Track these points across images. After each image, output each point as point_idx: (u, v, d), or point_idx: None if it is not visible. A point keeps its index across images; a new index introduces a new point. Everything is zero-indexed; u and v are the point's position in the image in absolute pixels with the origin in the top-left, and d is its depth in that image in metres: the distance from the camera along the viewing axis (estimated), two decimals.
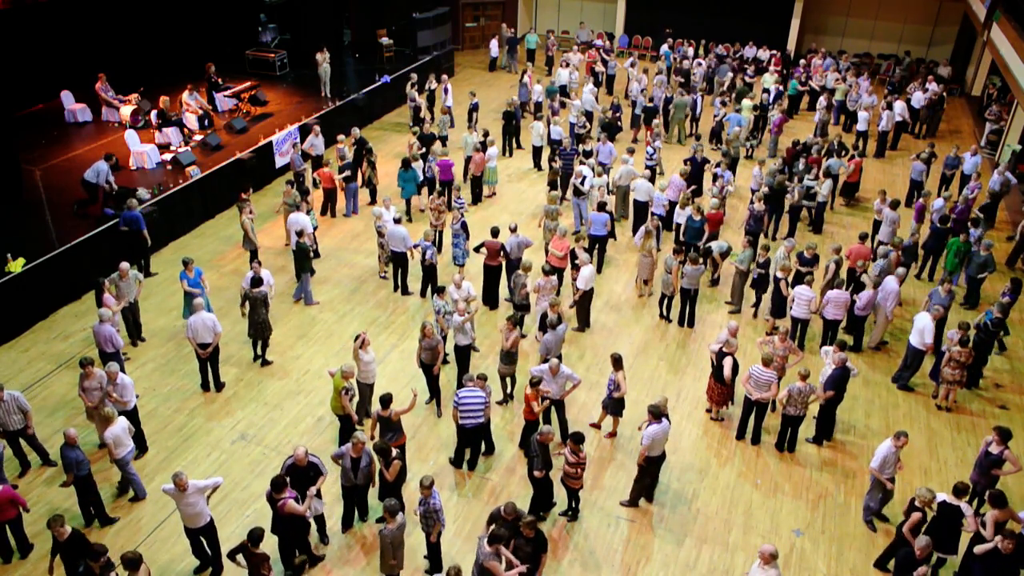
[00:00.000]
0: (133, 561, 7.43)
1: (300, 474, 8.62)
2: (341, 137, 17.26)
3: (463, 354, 11.53)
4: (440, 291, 11.78)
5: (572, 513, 9.71)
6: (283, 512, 8.19)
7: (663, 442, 9.49)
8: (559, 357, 11.31)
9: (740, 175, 18.38)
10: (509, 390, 11.67)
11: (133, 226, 13.78)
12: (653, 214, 15.70)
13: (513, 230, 13.52)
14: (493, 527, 7.84)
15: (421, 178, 16.56)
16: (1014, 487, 10.30)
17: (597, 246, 14.70)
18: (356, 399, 10.28)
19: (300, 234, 13.43)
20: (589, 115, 20.56)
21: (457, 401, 9.78)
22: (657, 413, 9.31)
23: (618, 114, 20.26)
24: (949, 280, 12.50)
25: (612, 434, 11.02)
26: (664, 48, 26.36)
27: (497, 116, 21.76)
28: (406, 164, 16.12)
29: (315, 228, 14.51)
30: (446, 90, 20.90)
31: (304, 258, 13.46)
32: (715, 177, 16.38)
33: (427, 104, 21.33)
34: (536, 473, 9.17)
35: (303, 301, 13.78)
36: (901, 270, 12.68)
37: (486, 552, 7.63)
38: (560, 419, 10.59)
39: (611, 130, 18.91)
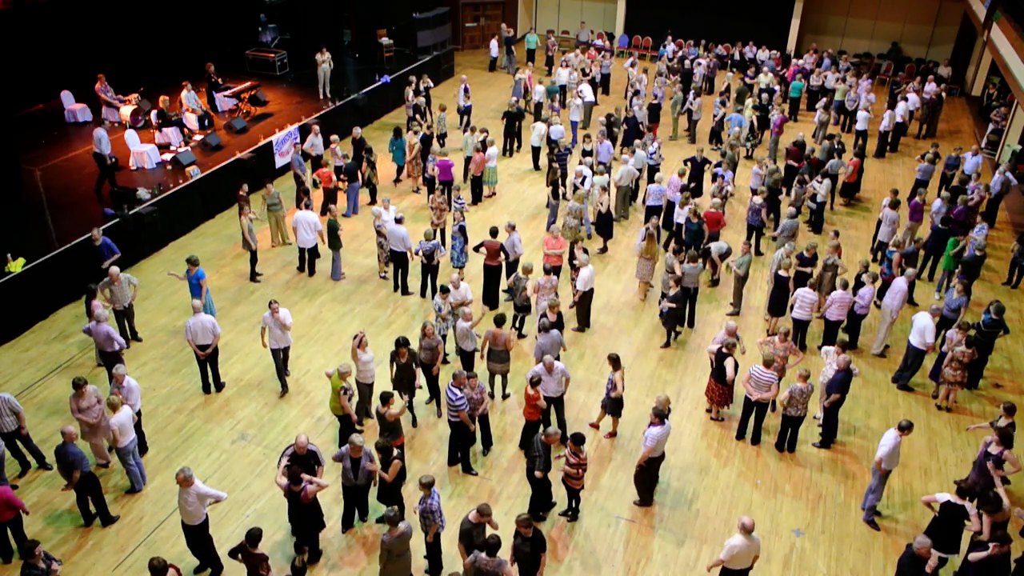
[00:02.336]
0: (159, 569, 7.38)
1: (300, 462, 8.70)
2: (335, 138, 17.19)
3: (468, 358, 11.52)
4: (443, 291, 11.77)
5: (572, 513, 9.71)
6: (306, 501, 8.44)
7: (664, 443, 9.50)
8: (557, 359, 11.32)
9: (740, 175, 18.40)
10: (503, 390, 11.67)
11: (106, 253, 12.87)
12: (648, 207, 15.78)
13: (512, 228, 13.51)
14: (489, 538, 7.69)
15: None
16: (1015, 488, 10.30)
17: (655, 217, 15.48)
18: (355, 399, 10.27)
19: (330, 211, 14.19)
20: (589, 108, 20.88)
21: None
22: (661, 415, 9.30)
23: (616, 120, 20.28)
24: (966, 283, 12.45)
25: (612, 434, 11.02)
26: (668, 48, 26.37)
27: (496, 116, 21.79)
28: (397, 133, 17.59)
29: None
30: (465, 89, 20.90)
31: (334, 234, 14.01)
32: (715, 177, 16.39)
33: (425, 103, 21.30)
34: (536, 473, 9.17)
35: (331, 276, 14.53)
36: (910, 270, 12.67)
37: (496, 563, 7.60)
38: (560, 420, 10.59)
39: (611, 130, 18.94)
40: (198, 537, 8.60)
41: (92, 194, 15.42)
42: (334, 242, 14.19)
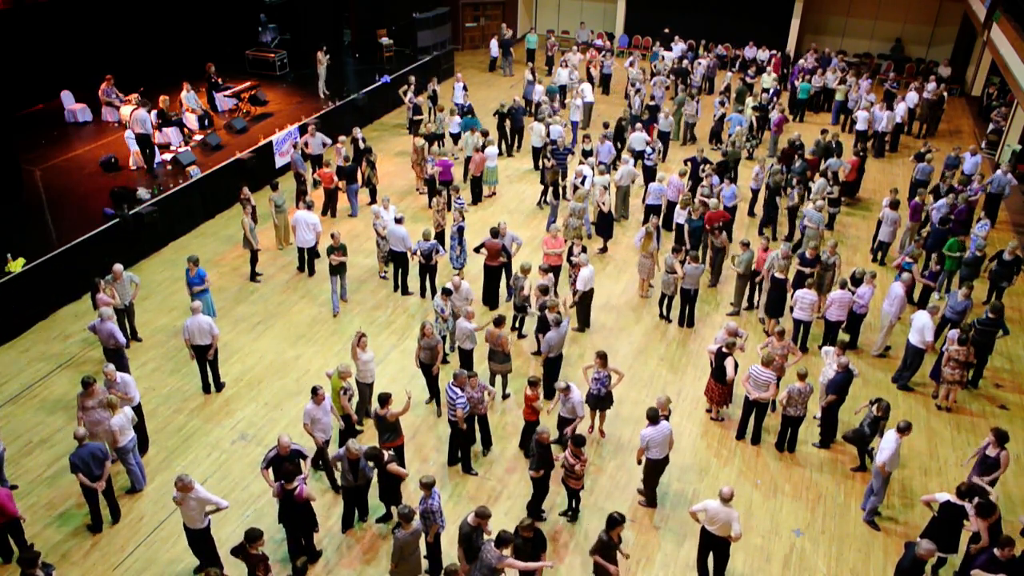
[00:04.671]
0: None
1: (284, 462, 8.71)
2: (342, 138, 17.24)
3: (467, 357, 11.52)
4: (446, 292, 11.76)
5: (572, 514, 9.70)
6: (300, 500, 8.41)
7: (663, 444, 9.48)
8: (560, 356, 11.31)
9: (740, 175, 18.41)
10: (503, 390, 11.67)
11: None
12: (648, 205, 15.82)
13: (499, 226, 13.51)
14: (500, 533, 7.71)
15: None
16: (1014, 487, 10.31)
17: (654, 216, 15.61)
18: (355, 399, 10.27)
19: (333, 237, 13.13)
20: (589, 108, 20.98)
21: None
22: (654, 416, 9.31)
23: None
24: (969, 285, 12.44)
25: (601, 432, 11.01)
26: (677, 48, 26.32)
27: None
28: (463, 112, 19.07)
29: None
30: (464, 88, 20.90)
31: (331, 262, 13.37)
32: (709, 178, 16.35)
33: (429, 104, 21.31)
34: (531, 473, 9.17)
35: (342, 300, 13.75)
36: (905, 275, 12.65)
37: (496, 555, 7.60)
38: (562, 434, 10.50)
39: (621, 135, 18.89)
40: (200, 540, 8.58)
41: (92, 194, 15.39)
42: (331, 268, 13.23)
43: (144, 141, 16.47)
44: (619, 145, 18.79)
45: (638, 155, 17.97)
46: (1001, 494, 9.80)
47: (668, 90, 22.64)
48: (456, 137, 18.71)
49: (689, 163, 17.13)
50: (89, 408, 9.66)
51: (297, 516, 8.61)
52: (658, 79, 22.33)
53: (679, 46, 26.34)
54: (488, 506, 8.30)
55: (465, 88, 21.03)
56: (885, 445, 9.23)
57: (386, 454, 8.94)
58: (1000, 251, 13.75)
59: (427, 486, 8.24)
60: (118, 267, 12.02)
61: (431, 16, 25.27)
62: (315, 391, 9.48)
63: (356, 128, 17.87)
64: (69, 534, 9.32)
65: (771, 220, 16.26)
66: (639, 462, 9.69)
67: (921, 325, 11.53)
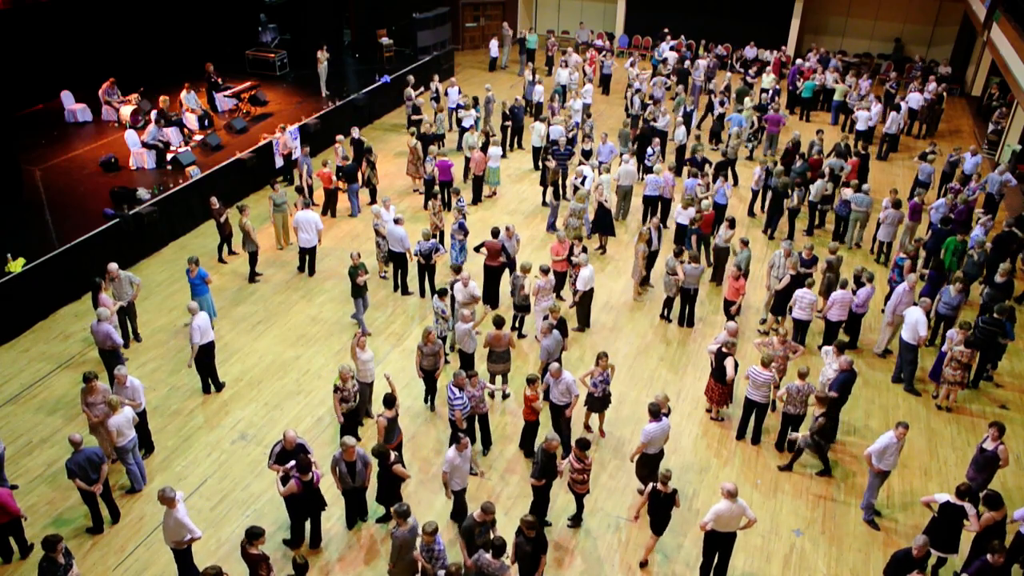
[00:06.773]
0: None
1: (290, 456, 8.75)
2: (340, 138, 17.26)
3: (468, 358, 11.50)
4: (442, 293, 11.75)
5: (576, 519, 9.64)
6: (316, 485, 8.63)
7: (662, 440, 9.52)
8: (559, 360, 11.30)
9: (740, 175, 18.42)
10: (504, 390, 11.67)
11: None
12: (645, 196, 16.00)
13: (506, 230, 13.51)
14: (493, 540, 7.61)
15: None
16: (1014, 487, 10.30)
17: (650, 208, 16.20)
18: (353, 402, 10.23)
19: (352, 258, 12.53)
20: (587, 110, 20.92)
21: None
22: (656, 412, 9.33)
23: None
24: (963, 280, 12.43)
25: (601, 432, 11.02)
26: (664, 49, 26.28)
27: (497, 116, 21.77)
28: (476, 102, 19.60)
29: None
30: (459, 91, 20.88)
31: (354, 282, 12.66)
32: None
33: (431, 104, 21.29)
34: (532, 481, 9.14)
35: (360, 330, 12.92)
36: (912, 276, 12.65)
37: (494, 565, 7.56)
38: (556, 427, 10.44)
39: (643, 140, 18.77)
40: (180, 562, 8.46)
41: (92, 194, 15.37)
42: (356, 289, 12.61)
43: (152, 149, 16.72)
44: (640, 152, 18.32)
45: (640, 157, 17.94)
46: (1001, 492, 9.78)
47: (668, 90, 22.61)
48: (464, 131, 18.59)
49: (689, 163, 17.14)
50: (92, 404, 9.72)
51: (309, 502, 8.72)
52: (658, 79, 22.32)
53: (669, 51, 25.60)
54: None
55: (460, 92, 20.99)
56: (880, 441, 9.24)
57: (392, 454, 8.94)
58: (991, 274, 13.55)
59: (430, 533, 7.82)
60: (112, 266, 11.96)
61: (431, 16, 25.26)
62: (459, 439, 8.87)
63: (355, 128, 17.84)
64: (69, 534, 9.30)
65: (775, 223, 16.26)
66: (632, 460, 9.73)
67: (914, 320, 11.51)
